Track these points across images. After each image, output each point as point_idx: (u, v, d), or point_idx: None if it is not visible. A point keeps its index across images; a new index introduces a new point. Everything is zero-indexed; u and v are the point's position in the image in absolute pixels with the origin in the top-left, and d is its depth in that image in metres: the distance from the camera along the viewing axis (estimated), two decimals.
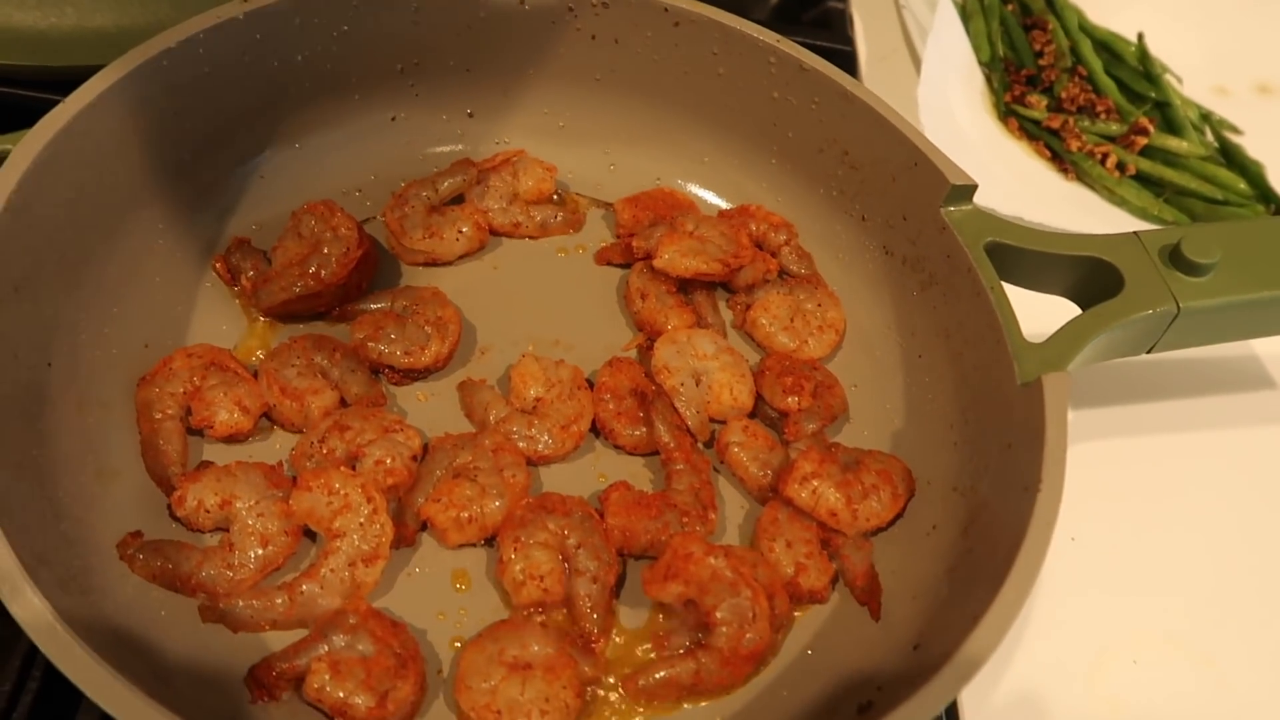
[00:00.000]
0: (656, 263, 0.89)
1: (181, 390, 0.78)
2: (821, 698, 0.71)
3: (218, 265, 0.87)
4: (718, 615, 0.69)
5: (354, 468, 0.76)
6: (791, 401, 0.84)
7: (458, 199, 0.95)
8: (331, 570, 0.71)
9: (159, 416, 0.77)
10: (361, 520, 0.72)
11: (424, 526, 0.76)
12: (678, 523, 0.76)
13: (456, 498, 0.75)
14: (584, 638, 0.71)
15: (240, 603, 0.69)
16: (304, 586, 0.70)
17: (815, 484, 0.77)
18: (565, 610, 0.73)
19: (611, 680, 0.71)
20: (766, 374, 0.86)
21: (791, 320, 0.90)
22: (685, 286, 0.92)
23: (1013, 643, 0.81)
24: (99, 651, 0.55)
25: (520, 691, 0.67)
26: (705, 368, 0.85)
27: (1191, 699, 0.80)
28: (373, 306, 0.86)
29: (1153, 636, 0.83)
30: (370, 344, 0.82)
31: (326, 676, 0.65)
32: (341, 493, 0.73)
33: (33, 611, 0.56)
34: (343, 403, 0.81)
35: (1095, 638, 0.82)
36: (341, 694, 0.65)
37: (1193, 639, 0.83)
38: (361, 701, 0.65)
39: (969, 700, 0.77)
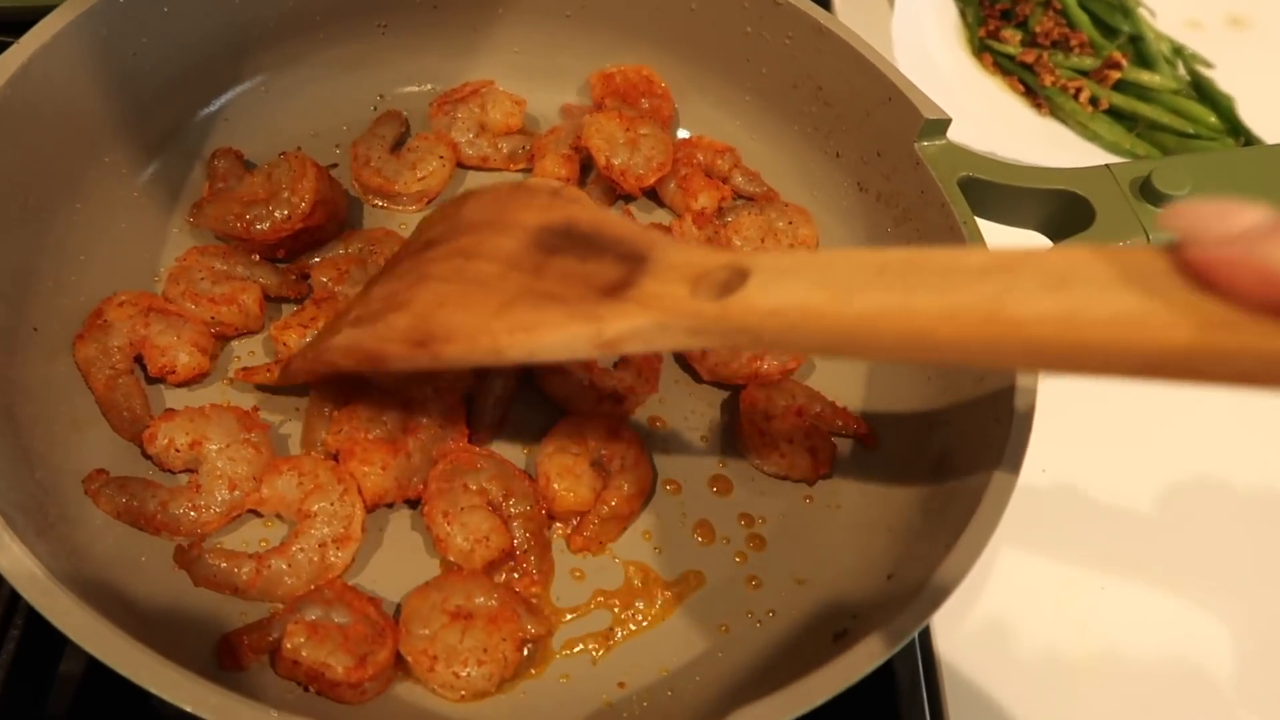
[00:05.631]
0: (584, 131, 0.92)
1: (126, 342, 0.76)
2: (797, 627, 0.73)
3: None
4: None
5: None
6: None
7: (405, 135, 0.94)
8: (301, 550, 0.69)
9: (110, 373, 0.75)
10: (333, 502, 0.71)
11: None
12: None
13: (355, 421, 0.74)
14: (526, 578, 0.72)
15: (209, 558, 0.68)
16: (272, 562, 0.69)
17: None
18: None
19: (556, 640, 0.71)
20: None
21: (763, 240, 0.90)
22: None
23: (984, 572, 0.83)
24: (80, 596, 0.55)
25: (459, 639, 0.66)
26: None
27: (1157, 623, 0.82)
28: (327, 256, 0.85)
29: (1121, 564, 0.85)
30: (337, 288, 0.81)
31: (303, 639, 0.64)
32: (313, 474, 0.72)
33: (13, 558, 0.55)
34: (265, 295, 0.82)
35: (1065, 566, 0.84)
36: (321, 655, 0.64)
37: (1159, 566, 0.85)
38: (339, 662, 0.63)
39: (941, 627, 0.79)
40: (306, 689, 0.66)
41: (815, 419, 0.82)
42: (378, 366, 0.66)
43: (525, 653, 0.69)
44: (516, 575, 0.72)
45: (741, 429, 0.81)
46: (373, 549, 0.74)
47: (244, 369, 0.78)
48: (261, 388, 0.78)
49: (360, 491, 0.72)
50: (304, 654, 0.64)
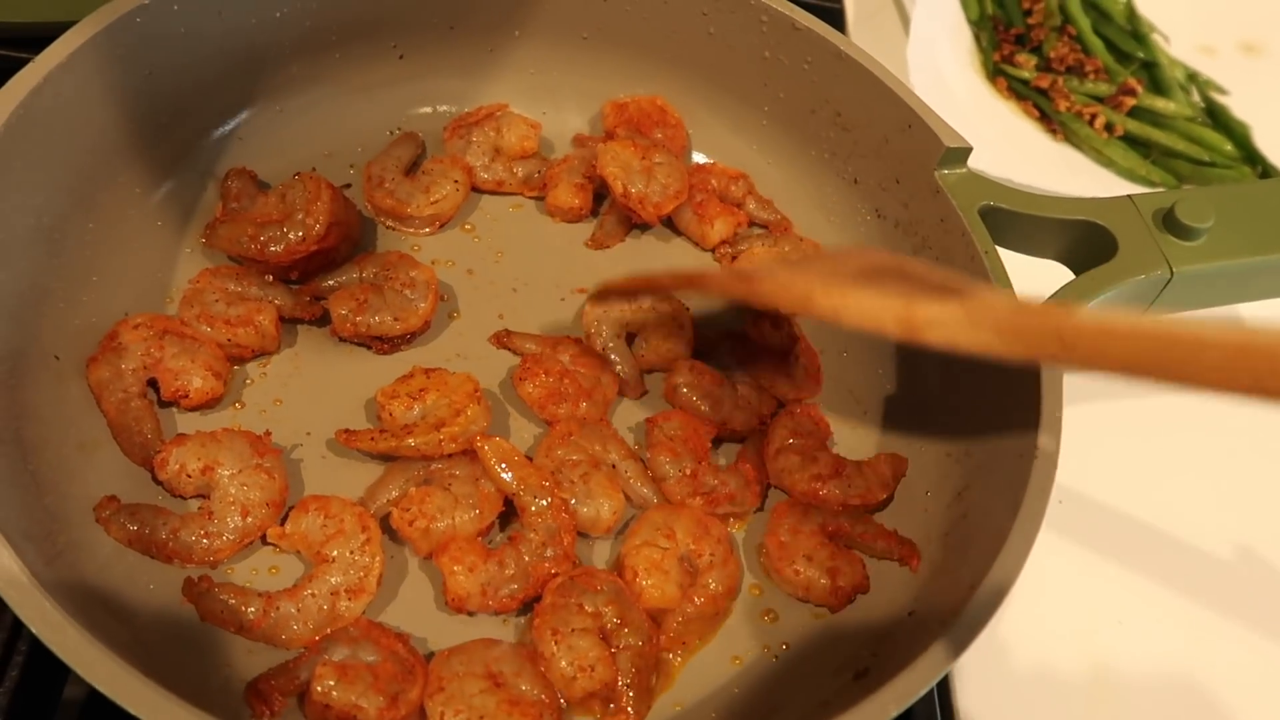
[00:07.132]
0: (599, 160, 0.90)
1: (140, 365, 0.75)
2: (813, 663, 0.71)
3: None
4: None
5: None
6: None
7: (420, 157, 0.94)
8: (312, 595, 0.68)
9: (122, 396, 0.74)
10: (352, 549, 0.69)
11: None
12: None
13: (427, 508, 0.72)
14: (621, 716, 0.67)
15: (218, 592, 0.67)
16: (280, 604, 0.67)
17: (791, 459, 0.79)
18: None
19: None
20: None
21: None
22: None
23: (1001, 606, 0.81)
24: (85, 625, 0.54)
25: (474, 693, 0.64)
26: (638, 320, 0.85)
27: (1175, 658, 0.81)
28: (341, 280, 0.84)
29: (1138, 598, 0.84)
30: (358, 319, 0.80)
31: (333, 681, 0.62)
32: (338, 518, 0.70)
33: (20, 590, 0.54)
34: (280, 316, 0.81)
35: (1082, 600, 0.83)
36: (352, 697, 0.62)
37: (1177, 600, 0.84)
38: (371, 704, 0.62)
39: (958, 661, 0.78)
40: None
41: (849, 540, 0.77)
42: (694, 287, 0.73)
43: None
44: (610, 710, 0.68)
45: (764, 545, 0.77)
46: (388, 582, 0.72)
47: (347, 432, 0.75)
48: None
49: (445, 588, 0.69)
50: (335, 696, 0.62)
